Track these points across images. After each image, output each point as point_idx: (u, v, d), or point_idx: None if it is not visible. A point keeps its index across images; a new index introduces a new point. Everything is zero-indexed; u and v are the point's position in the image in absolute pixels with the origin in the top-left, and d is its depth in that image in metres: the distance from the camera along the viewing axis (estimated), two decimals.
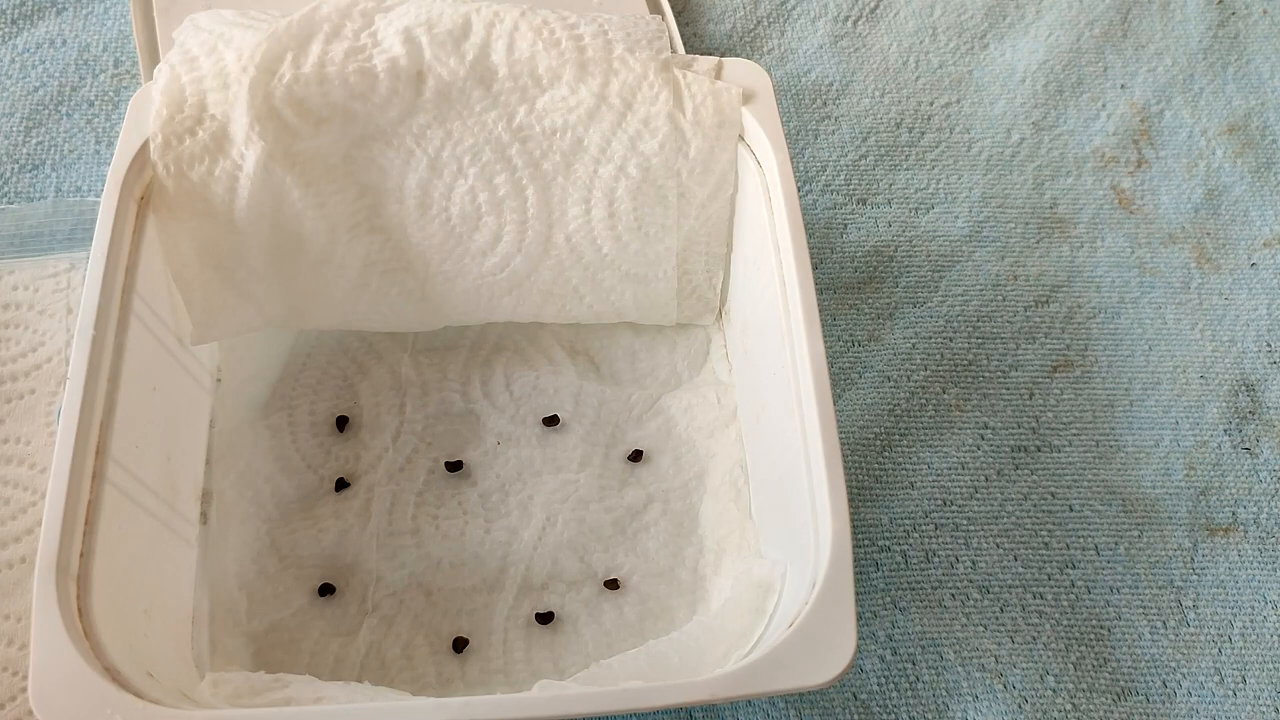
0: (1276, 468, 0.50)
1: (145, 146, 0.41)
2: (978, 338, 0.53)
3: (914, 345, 0.52)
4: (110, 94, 0.58)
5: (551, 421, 0.48)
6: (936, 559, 0.47)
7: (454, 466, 0.47)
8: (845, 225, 0.56)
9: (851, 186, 0.57)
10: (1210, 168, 0.59)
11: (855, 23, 0.63)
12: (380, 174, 0.44)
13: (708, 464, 0.47)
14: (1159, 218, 0.57)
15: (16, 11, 0.60)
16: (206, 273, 0.43)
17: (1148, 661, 0.45)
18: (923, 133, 0.59)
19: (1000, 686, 0.44)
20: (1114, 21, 0.64)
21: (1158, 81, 0.62)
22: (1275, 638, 0.46)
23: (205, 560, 0.43)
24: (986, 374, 0.52)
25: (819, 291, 0.40)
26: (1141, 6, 0.64)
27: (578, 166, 0.44)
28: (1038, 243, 0.56)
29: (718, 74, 0.45)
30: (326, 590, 0.44)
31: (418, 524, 0.45)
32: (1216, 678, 0.45)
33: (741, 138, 0.44)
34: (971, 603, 0.46)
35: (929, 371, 0.52)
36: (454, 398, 0.49)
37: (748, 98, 0.44)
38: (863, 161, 0.58)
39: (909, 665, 0.45)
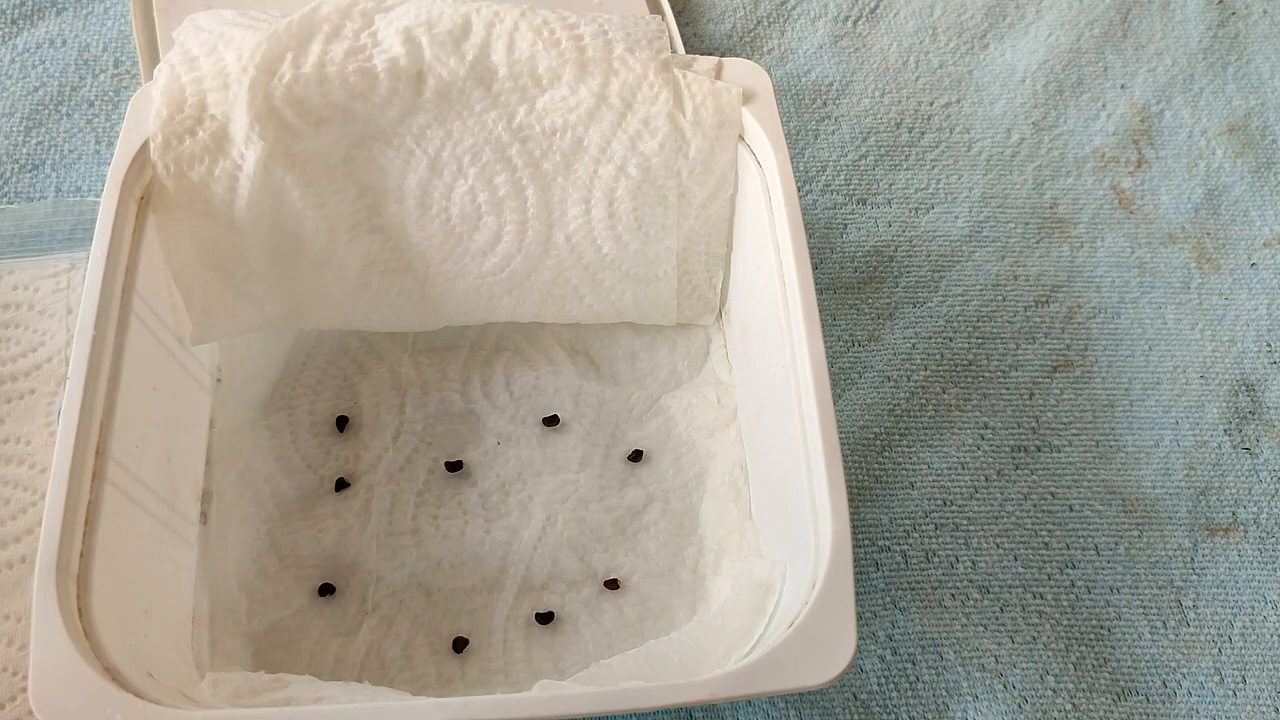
0: (1276, 468, 0.50)
1: (145, 146, 0.41)
2: (978, 338, 0.53)
3: (914, 345, 0.52)
4: (110, 94, 0.58)
5: (551, 421, 0.48)
6: (936, 559, 0.47)
7: (454, 466, 0.47)
8: (845, 225, 0.56)
9: (851, 186, 0.57)
10: (1210, 168, 0.59)
11: (855, 23, 0.63)
12: (380, 174, 0.44)
13: (708, 464, 0.47)
14: (1159, 218, 0.57)
15: (16, 11, 0.60)
16: (206, 273, 0.43)
17: (1148, 661, 0.45)
18: (923, 133, 0.59)
19: (1000, 686, 0.44)
20: (1114, 21, 0.64)
21: (1158, 81, 0.62)
22: (1275, 638, 0.46)
23: (205, 560, 0.43)
24: (986, 374, 0.52)
25: (819, 291, 0.40)
26: (1141, 6, 0.64)
27: (578, 166, 0.44)
28: (1038, 243, 0.56)
29: (718, 74, 0.45)
30: (326, 590, 0.44)
31: (418, 524, 0.45)
32: (1216, 678, 0.45)
33: (741, 138, 0.44)
34: (971, 603, 0.46)
35: (929, 371, 0.52)
36: (454, 398, 0.49)
37: (748, 98, 0.44)
38: (863, 161, 0.58)
39: (909, 665, 0.45)
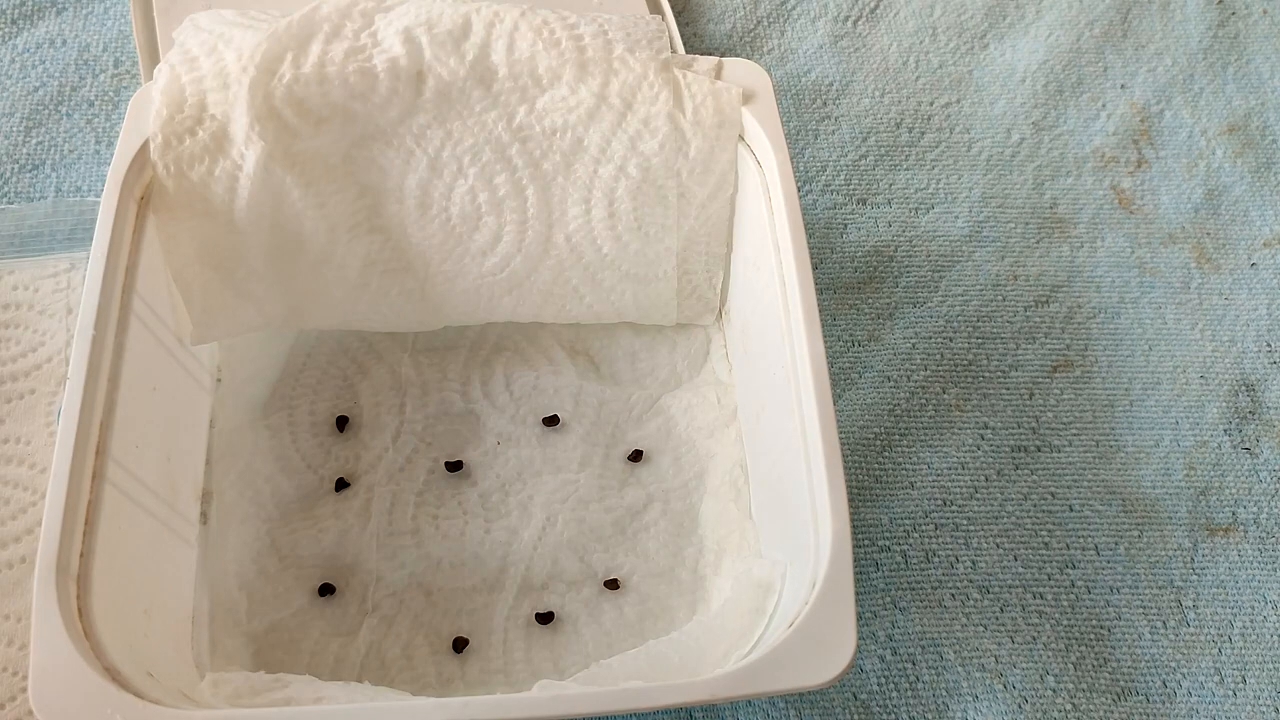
0: (1276, 468, 0.50)
1: (145, 146, 0.41)
2: (978, 338, 0.53)
3: (914, 345, 0.52)
4: (110, 94, 0.58)
5: (551, 421, 0.48)
6: (936, 559, 0.47)
7: (454, 466, 0.47)
8: (845, 225, 0.56)
9: (851, 186, 0.57)
10: (1210, 168, 0.59)
11: (855, 23, 0.63)
12: (380, 174, 0.44)
13: (708, 464, 0.47)
14: (1159, 218, 0.57)
15: (16, 11, 0.60)
16: (206, 273, 0.43)
17: (1148, 661, 0.45)
18: (923, 133, 0.59)
19: (1000, 686, 0.44)
20: (1114, 21, 0.64)
21: (1158, 81, 0.62)
22: (1275, 638, 0.46)
23: (205, 560, 0.43)
24: (986, 374, 0.52)
25: (819, 291, 0.40)
26: (1141, 6, 0.64)
27: (578, 166, 0.44)
28: (1038, 243, 0.56)
29: (718, 74, 0.45)
30: (326, 590, 0.44)
31: (418, 524, 0.45)
32: (1216, 678, 0.45)
33: (741, 138, 0.44)
34: (971, 603, 0.46)
35: (929, 371, 0.52)
36: (454, 398, 0.49)
37: (748, 98, 0.44)
38: (863, 161, 0.58)
39: (909, 665, 0.45)
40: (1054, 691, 0.44)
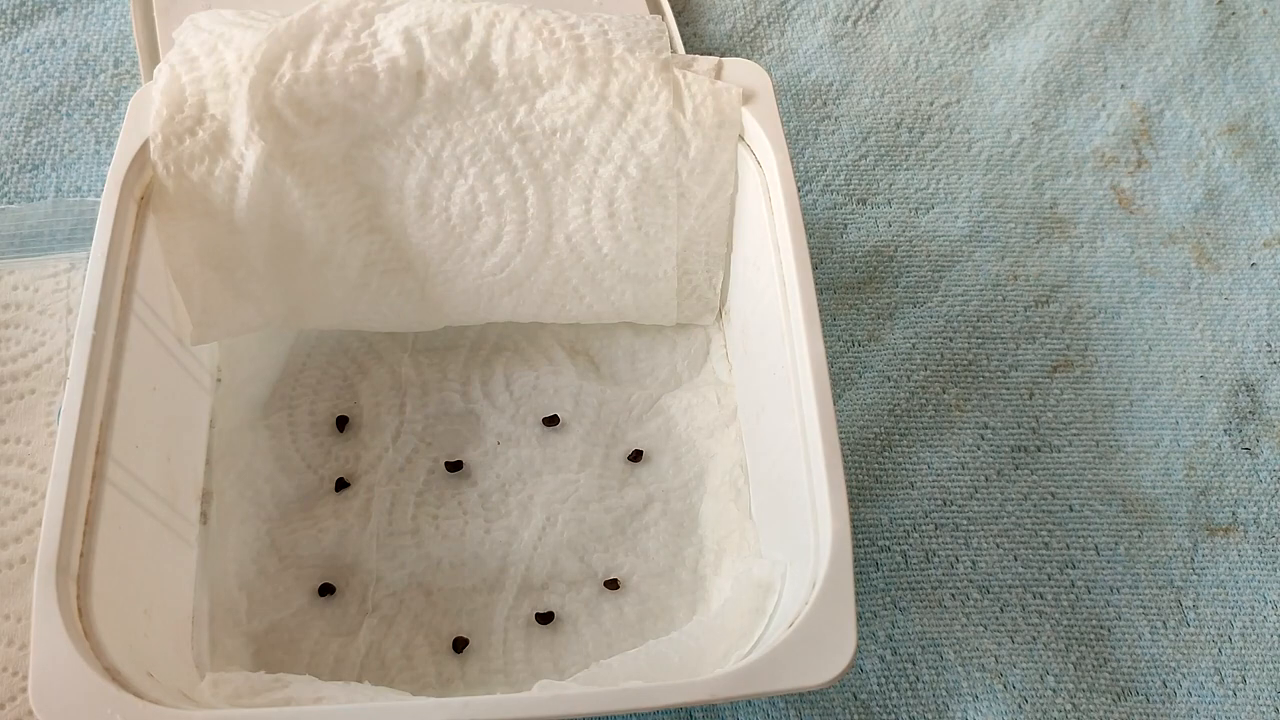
0: (1276, 468, 0.50)
1: (145, 146, 0.41)
2: (978, 338, 0.53)
3: (914, 345, 0.52)
4: (110, 94, 0.58)
5: (551, 421, 0.48)
6: (936, 559, 0.47)
7: (454, 466, 0.47)
8: (845, 225, 0.56)
9: (851, 186, 0.57)
10: (1210, 168, 0.59)
11: (855, 23, 0.63)
12: (380, 174, 0.44)
13: (708, 464, 0.47)
14: (1159, 218, 0.57)
15: (16, 11, 0.60)
16: (206, 273, 0.43)
17: (1148, 661, 0.45)
18: (923, 133, 0.59)
19: (1000, 686, 0.44)
20: (1114, 21, 0.64)
21: (1158, 81, 0.62)
22: (1275, 638, 0.46)
23: (205, 560, 0.43)
24: (986, 374, 0.52)
25: (819, 291, 0.40)
26: (1141, 6, 0.64)
27: (578, 166, 0.44)
28: (1038, 243, 0.56)
29: (718, 74, 0.45)
30: (326, 590, 0.44)
31: (418, 524, 0.45)
32: (1216, 678, 0.45)
33: (741, 138, 0.44)
34: (971, 603, 0.46)
35: (929, 371, 0.52)
36: (454, 398, 0.49)
37: (748, 98, 0.44)
38: (863, 161, 0.58)
39: (909, 665, 0.45)
40: (1054, 691, 0.44)
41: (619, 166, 0.44)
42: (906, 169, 0.58)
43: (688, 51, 0.61)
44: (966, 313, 0.54)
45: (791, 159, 0.43)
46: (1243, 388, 0.52)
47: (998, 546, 0.48)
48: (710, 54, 0.60)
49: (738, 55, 0.61)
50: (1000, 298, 0.54)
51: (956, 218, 0.57)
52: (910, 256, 0.55)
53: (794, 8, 0.64)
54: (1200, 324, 0.54)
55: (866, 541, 0.47)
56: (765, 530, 0.44)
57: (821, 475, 0.37)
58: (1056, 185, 0.58)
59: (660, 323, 0.50)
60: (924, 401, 0.51)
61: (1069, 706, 0.44)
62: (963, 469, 0.49)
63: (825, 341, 0.39)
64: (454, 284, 0.47)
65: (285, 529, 0.45)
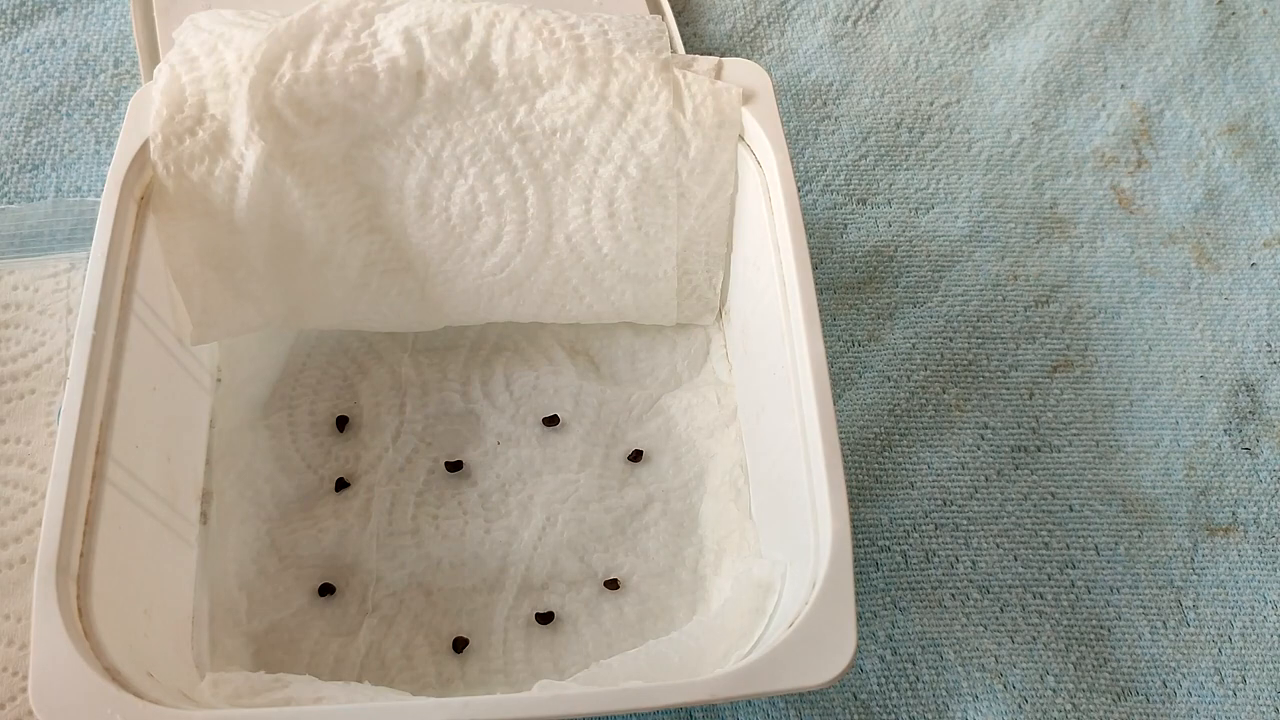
0: (1276, 468, 0.50)
1: (145, 146, 0.41)
2: (978, 338, 0.53)
3: (914, 345, 0.52)
4: (110, 94, 0.58)
5: (551, 421, 0.48)
6: (936, 559, 0.47)
7: (454, 466, 0.47)
8: (845, 225, 0.56)
9: (851, 186, 0.57)
10: (1210, 168, 0.59)
11: (855, 23, 0.63)
12: (380, 174, 0.44)
13: (708, 464, 0.47)
14: (1159, 218, 0.57)
15: (16, 11, 0.60)
16: (206, 273, 0.43)
17: (1148, 661, 0.45)
18: (923, 133, 0.59)
19: (1000, 686, 0.44)
20: (1114, 21, 0.64)
21: (1158, 81, 0.62)
22: (1275, 638, 0.46)
23: (205, 560, 0.43)
24: (986, 374, 0.52)
25: (819, 291, 0.40)
26: (1141, 6, 0.64)
27: (578, 166, 0.44)
28: (1038, 243, 0.56)
29: (718, 74, 0.45)
30: (326, 590, 0.44)
31: (418, 524, 0.45)
32: (1216, 678, 0.45)
33: (741, 138, 0.44)
34: (971, 603, 0.46)
35: (929, 371, 0.52)
36: (454, 398, 0.49)
37: (748, 98, 0.44)
38: (863, 161, 0.58)
39: (909, 665, 0.45)
40: (1054, 691, 0.44)
41: (619, 166, 0.44)
42: (906, 169, 0.58)
43: (688, 51, 0.61)
44: (966, 313, 0.54)
45: (791, 159, 0.43)
46: (1243, 388, 0.52)
47: (998, 546, 0.48)
48: (710, 54, 0.60)
49: (738, 55, 0.61)
50: (1000, 298, 0.54)
51: (956, 218, 0.57)
52: (910, 256, 0.55)
53: (794, 8, 0.64)
54: (1200, 324, 0.54)
55: (866, 541, 0.47)
56: (765, 530, 0.44)
57: (821, 475, 0.37)
58: (1056, 185, 0.58)
59: (660, 323, 0.50)
60: (924, 401, 0.51)
61: (1069, 706, 0.44)
62: (963, 469, 0.49)
63: (825, 341, 0.39)
64: (454, 284, 0.47)
65: (285, 529, 0.45)
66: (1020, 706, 0.44)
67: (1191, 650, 0.46)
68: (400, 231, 0.46)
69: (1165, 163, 0.59)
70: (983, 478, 0.49)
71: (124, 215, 0.40)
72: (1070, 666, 0.45)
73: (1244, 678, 0.45)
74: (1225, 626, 0.46)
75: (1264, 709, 0.44)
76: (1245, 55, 0.63)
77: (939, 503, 0.48)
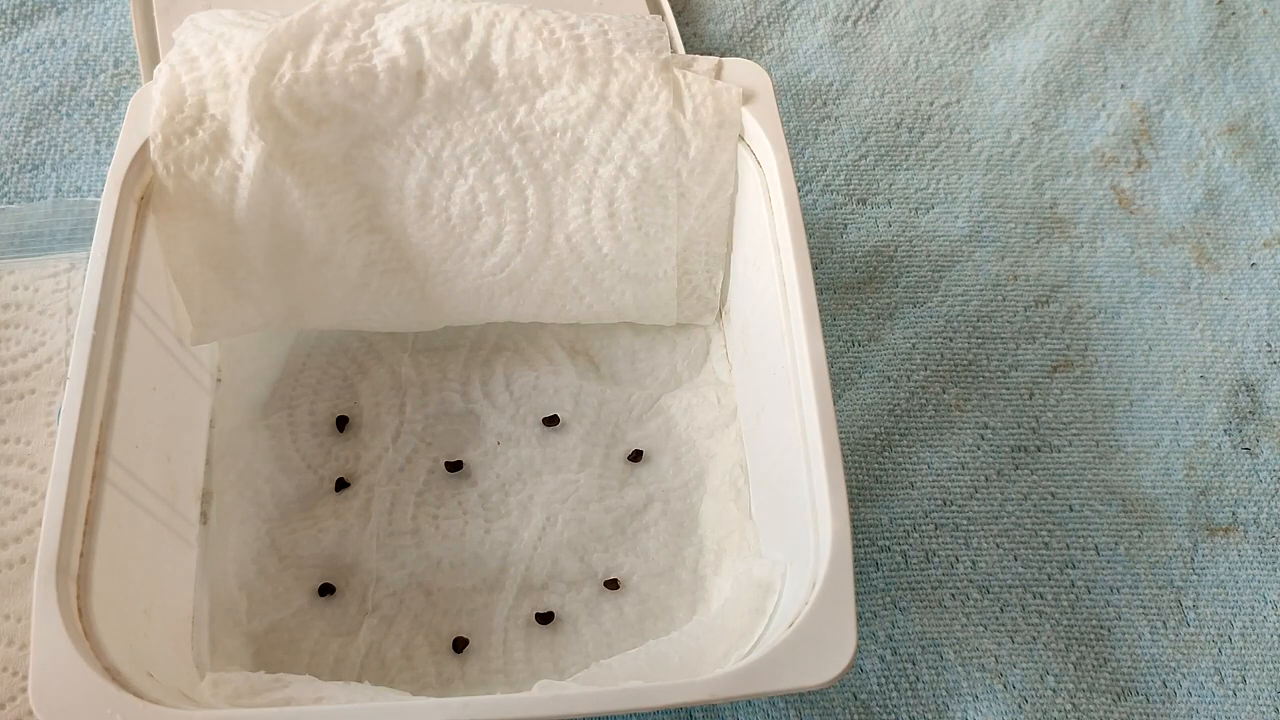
0: (1276, 468, 0.50)
1: (145, 146, 0.41)
2: (978, 338, 0.53)
3: (914, 345, 0.52)
4: (110, 94, 0.58)
5: (551, 421, 0.48)
6: (936, 559, 0.47)
7: (454, 466, 0.47)
8: (845, 225, 0.56)
9: (851, 186, 0.57)
10: (1210, 168, 0.59)
11: (855, 23, 0.63)
12: (380, 174, 0.44)
13: (708, 464, 0.47)
14: (1159, 218, 0.57)
15: (16, 11, 0.60)
16: (206, 273, 0.43)
17: (1148, 661, 0.45)
18: (923, 133, 0.59)
19: (1000, 686, 0.44)
20: (1114, 21, 0.64)
21: (1158, 81, 0.62)
22: (1275, 638, 0.46)
23: (205, 560, 0.43)
24: (986, 374, 0.52)
25: (819, 291, 0.40)
26: (1141, 6, 0.64)
27: (578, 166, 0.44)
28: (1038, 243, 0.56)
29: (718, 74, 0.45)
30: (326, 590, 0.44)
31: (418, 524, 0.45)
32: (1216, 678, 0.45)
33: (741, 138, 0.44)
34: (971, 603, 0.46)
35: (929, 371, 0.52)
36: (454, 398, 0.49)
37: (748, 98, 0.44)
38: (863, 161, 0.58)
39: (909, 665, 0.45)
40: (1054, 691, 0.44)
41: (619, 166, 0.44)
42: (906, 169, 0.58)
43: (688, 51, 0.61)
44: (966, 313, 0.54)
45: (791, 159, 0.43)
46: (1243, 388, 0.52)
47: (998, 546, 0.48)
48: (710, 54, 0.60)
49: (738, 55, 0.61)
50: (1000, 298, 0.54)
51: (956, 218, 0.57)
52: (910, 256, 0.55)
53: (794, 8, 0.64)
54: (1200, 324, 0.54)
55: (866, 541, 0.47)
56: (765, 530, 0.44)
57: (821, 475, 0.37)
58: (1056, 185, 0.58)
59: (660, 323, 0.50)
60: (924, 401, 0.51)
61: (1069, 706, 0.44)
62: (963, 469, 0.49)
63: (825, 341, 0.39)
64: (454, 284, 0.47)
65: (285, 529, 0.45)
66: (1020, 706, 0.44)
67: (1191, 650, 0.46)
68: (400, 231, 0.46)
69: (1165, 163, 0.59)
70: (983, 478, 0.49)
71: (124, 215, 0.40)
72: (1070, 666, 0.45)
73: (1244, 678, 0.45)
74: (1225, 626, 0.46)
75: (1264, 709, 0.44)
76: (1245, 55, 0.63)
77: (939, 503, 0.48)
